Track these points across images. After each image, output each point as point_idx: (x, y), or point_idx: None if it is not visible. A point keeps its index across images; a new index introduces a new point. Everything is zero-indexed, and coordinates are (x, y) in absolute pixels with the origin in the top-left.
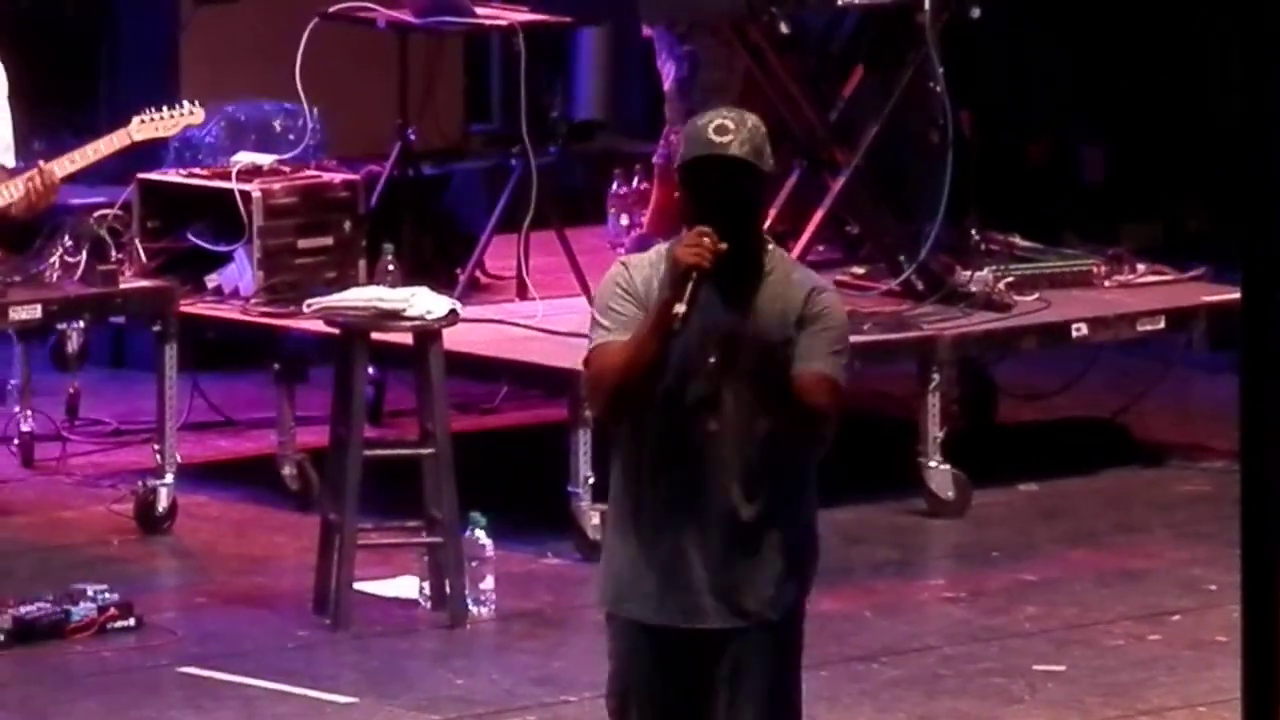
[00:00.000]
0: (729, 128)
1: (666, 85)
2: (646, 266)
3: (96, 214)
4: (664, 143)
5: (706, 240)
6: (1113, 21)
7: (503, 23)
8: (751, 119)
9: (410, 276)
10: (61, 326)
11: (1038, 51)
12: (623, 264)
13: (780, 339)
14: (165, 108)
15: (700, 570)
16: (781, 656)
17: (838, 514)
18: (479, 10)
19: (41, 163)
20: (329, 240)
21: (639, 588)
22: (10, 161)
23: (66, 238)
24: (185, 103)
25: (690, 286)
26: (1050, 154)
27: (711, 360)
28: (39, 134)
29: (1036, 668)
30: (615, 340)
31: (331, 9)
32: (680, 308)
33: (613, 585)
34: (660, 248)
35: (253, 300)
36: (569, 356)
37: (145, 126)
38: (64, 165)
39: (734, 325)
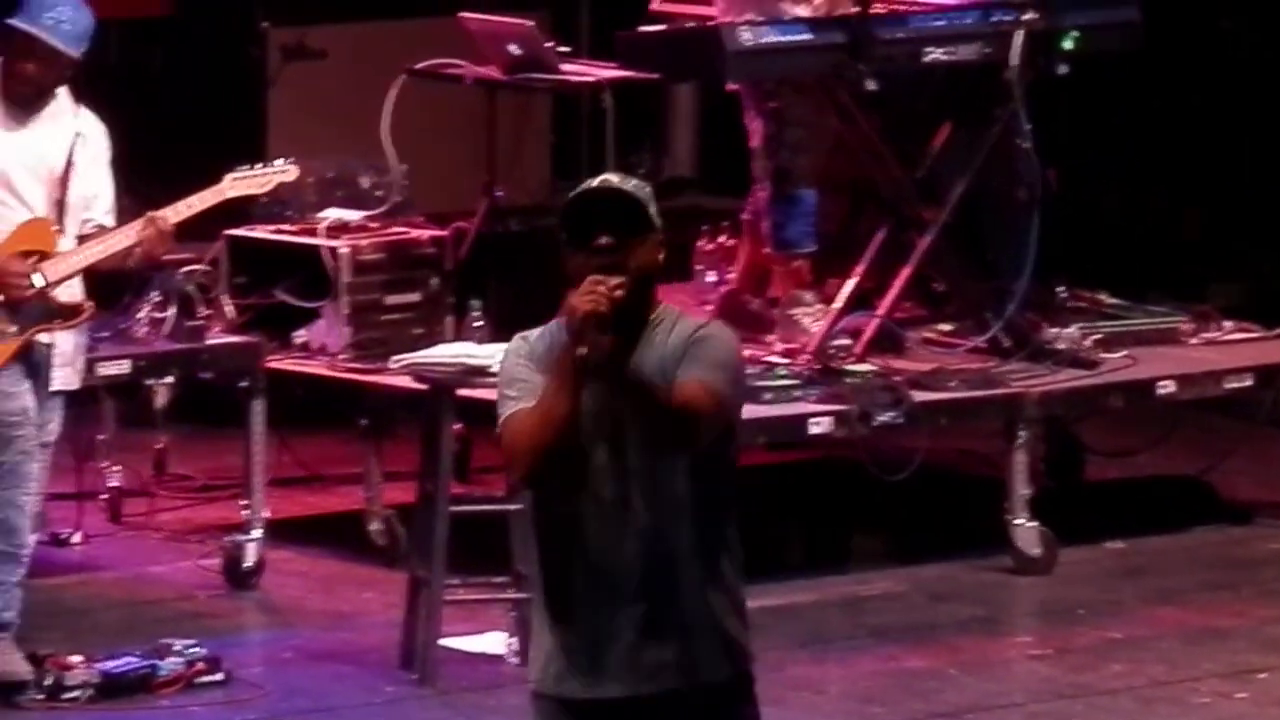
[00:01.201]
0: (613, 181)
1: (753, 142)
2: (547, 335)
3: (185, 270)
4: (752, 199)
5: (601, 287)
6: (1197, 80)
7: (590, 79)
8: (639, 181)
9: (497, 332)
10: (149, 382)
11: (1123, 110)
12: (521, 337)
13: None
14: (259, 164)
15: (626, 641)
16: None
17: (924, 571)
18: (566, 67)
19: (149, 214)
20: (416, 296)
21: (566, 665)
22: (112, 223)
23: (155, 293)
24: (280, 160)
25: (591, 332)
26: (1132, 211)
27: (610, 417)
28: (127, 190)
29: None
30: (524, 407)
31: (419, 65)
32: (582, 350)
33: (540, 665)
34: (557, 320)
35: (340, 356)
36: None
37: (239, 183)
38: (166, 217)
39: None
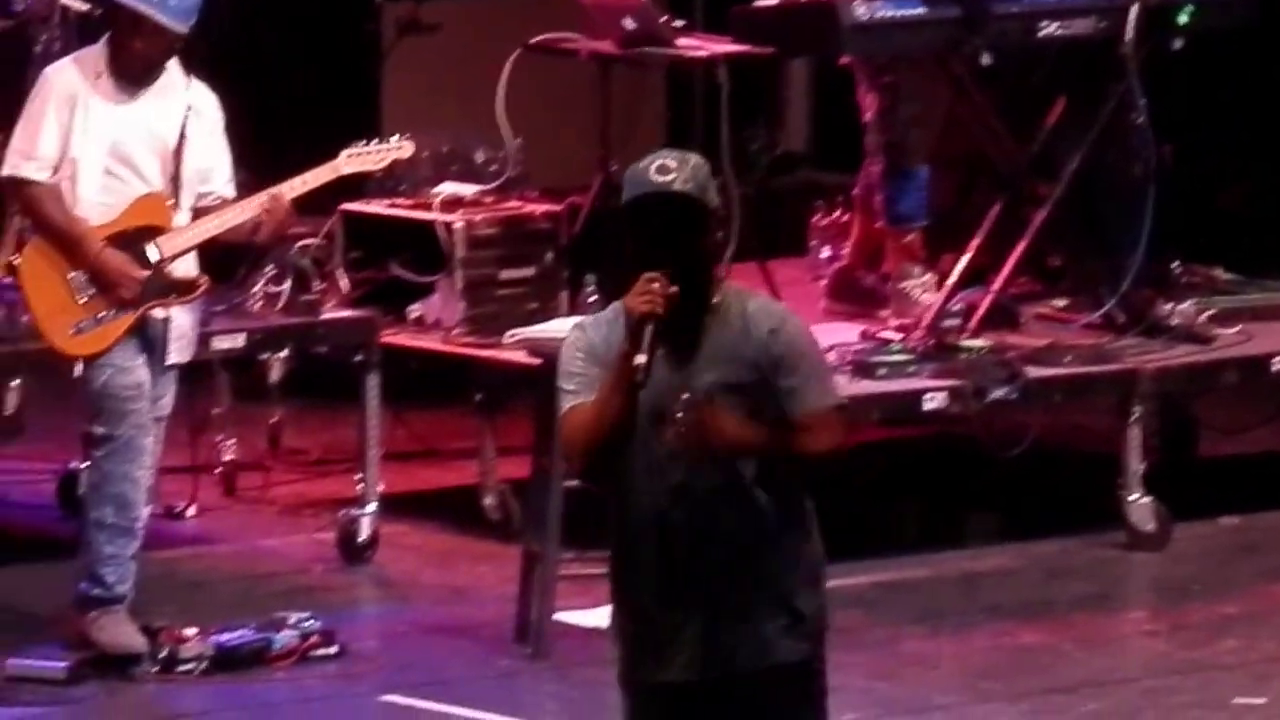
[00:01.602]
0: (670, 167)
1: (867, 116)
2: (604, 325)
3: (299, 244)
4: (864, 174)
5: (656, 285)
6: None
7: (705, 54)
8: (694, 159)
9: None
10: (264, 356)
11: (1237, 85)
12: (579, 326)
13: (747, 380)
14: (375, 141)
15: (698, 626)
16: (801, 707)
17: (1038, 547)
18: (681, 42)
19: (270, 190)
20: (531, 271)
21: (643, 651)
22: (232, 193)
23: (270, 268)
24: (395, 137)
25: (648, 336)
26: (1246, 187)
27: (678, 412)
28: (241, 165)
29: (1237, 701)
30: (582, 402)
31: (534, 40)
32: (640, 359)
33: (620, 651)
34: (616, 305)
35: (454, 331)
36: None
37: (354, 160)
38: (284, 192)
39: (694, 371)
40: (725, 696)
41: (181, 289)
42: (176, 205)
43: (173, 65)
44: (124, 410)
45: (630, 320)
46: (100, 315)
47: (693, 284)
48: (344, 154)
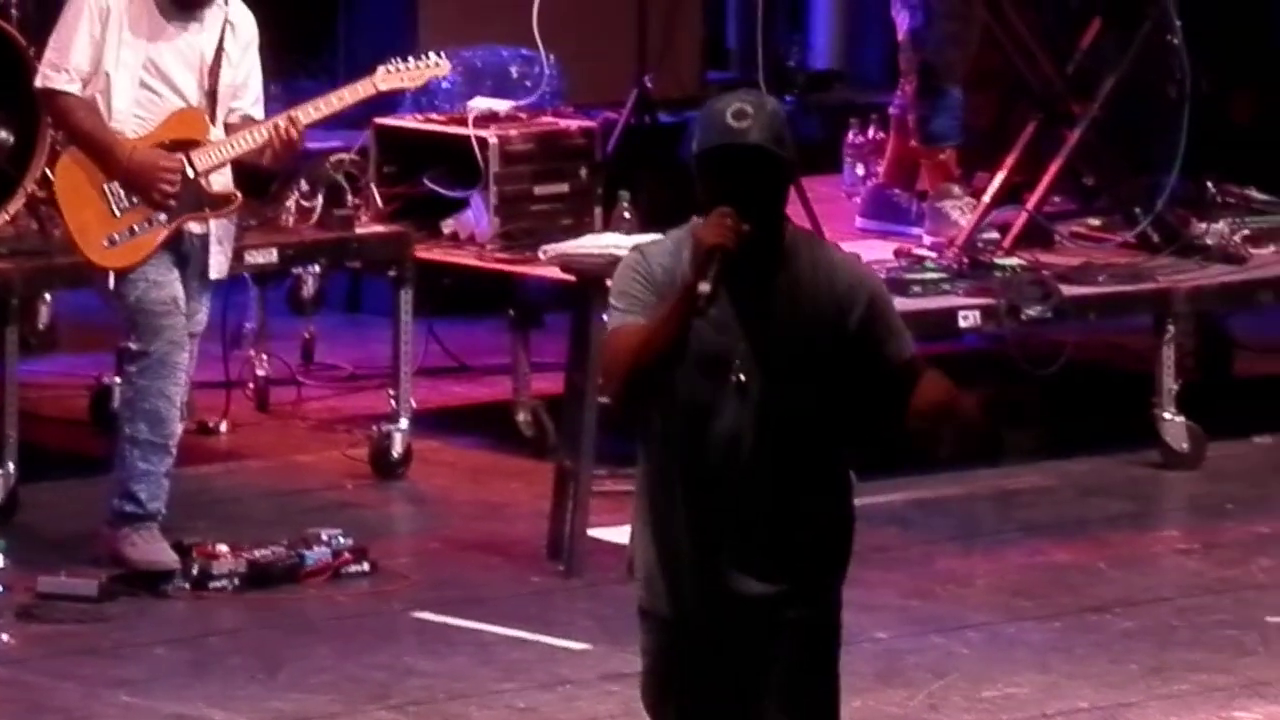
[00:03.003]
0: (747, 112)
1: (900, 35)
2: (666, 255)
3: (333, 159)
4: (900, 93)
5: (729, 221)
6: None
7: None
8: (771, 103)
9: (646, 224)
10: (297, 271)
11: (1275, 7)
12: (639, 250)
13: (818, 332)
14: (410, 58)
15: (731, 563)
16: (818, 652)
17: (1073, 466)
18: None
19: (290, 112)
20: (565, 187)
21: (671, 585)
22: (260, 114)
23: (303, 182)
24: (431, 54)
25: (715, 267)
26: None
27: (739, 353)
28: (276, 80)
29: (1270, 619)
30: (632, 322)
31: None
32: (705, 287)
33: (645, 583)
34: (678, 234)
35: (489, 246)
36: None
37: (391, 77)
38: (308, 113)
39: (760, 316)
40: (744, 640)
41: (217, 203)
42: (213, 120)
43: None
44: (158, 325)
45: (699, 250)
46: (135, 228)
47: (764, 233)
48: (380, 70)
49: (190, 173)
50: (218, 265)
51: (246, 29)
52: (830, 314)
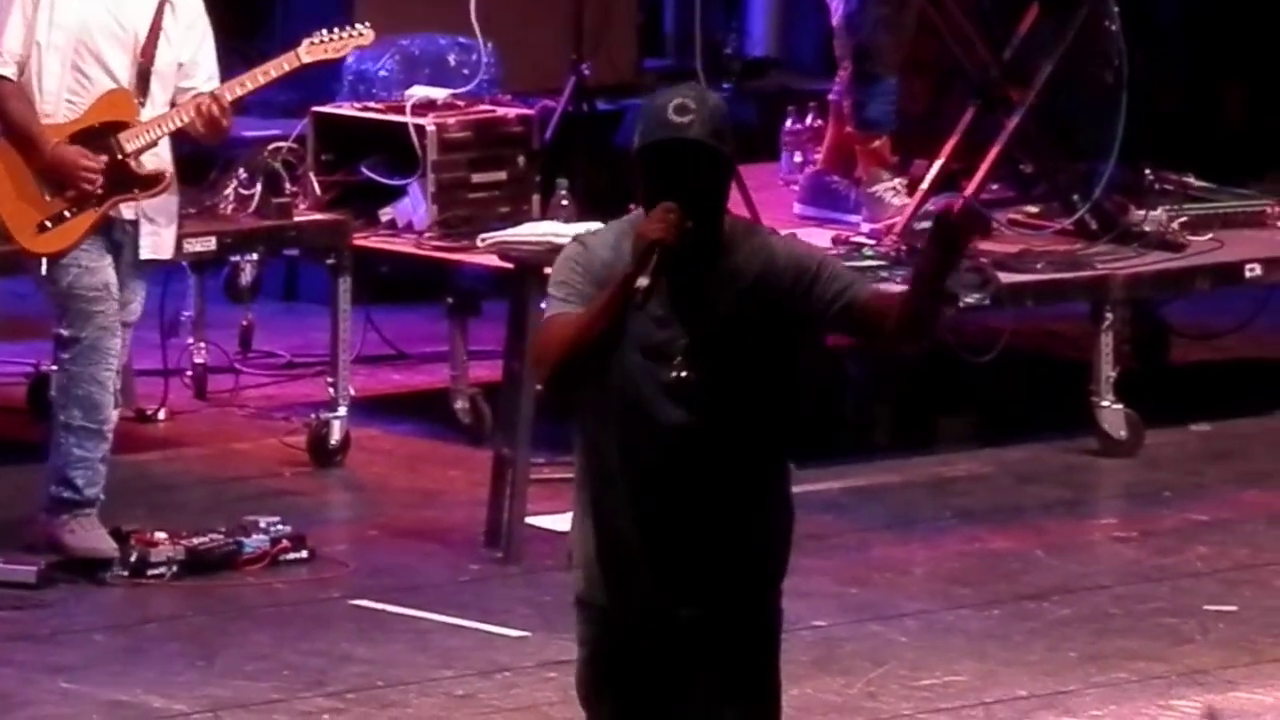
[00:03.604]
0: (690, 107)
1: (835, 20)
2: (606, 247)
3: (271, 147)
4: (838, 80)
5: (672, 216)
6: None
7: None
8: (713, 98)
9: (584, 211)
10: (235, 259)
11: None
12: (580, 240)
13: (764, 318)
14: (335, 29)
15: (670, 557)
16: (757, 644)
17: (1010, 453)
18: None
19: (214, 89)
20: (503, 175)
21: (610, 576)
22: (215, 87)
23: (241, 170)
24: (355, 24)
25: (654, 261)
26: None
27: (679, 348)
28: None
29: (1207, 608)
30: (568, 311)
31: None
32: (643, 281)
33: (584, 572)
34: (619, 225)
35: (426, 234)
36: None
37: (315, 48)
38: (234, 89)
39: (701, 309)
40: (682, 633)
41: (146, 183)
42: (144, 101)
43: None
44: (89, 311)
45: (639, 243)
46: (65, 213)
47: (703, 228)
48: (305, 42)
49: (119, 154)
50: (151, 245)
51: (188, 8)
52: (776, 296)
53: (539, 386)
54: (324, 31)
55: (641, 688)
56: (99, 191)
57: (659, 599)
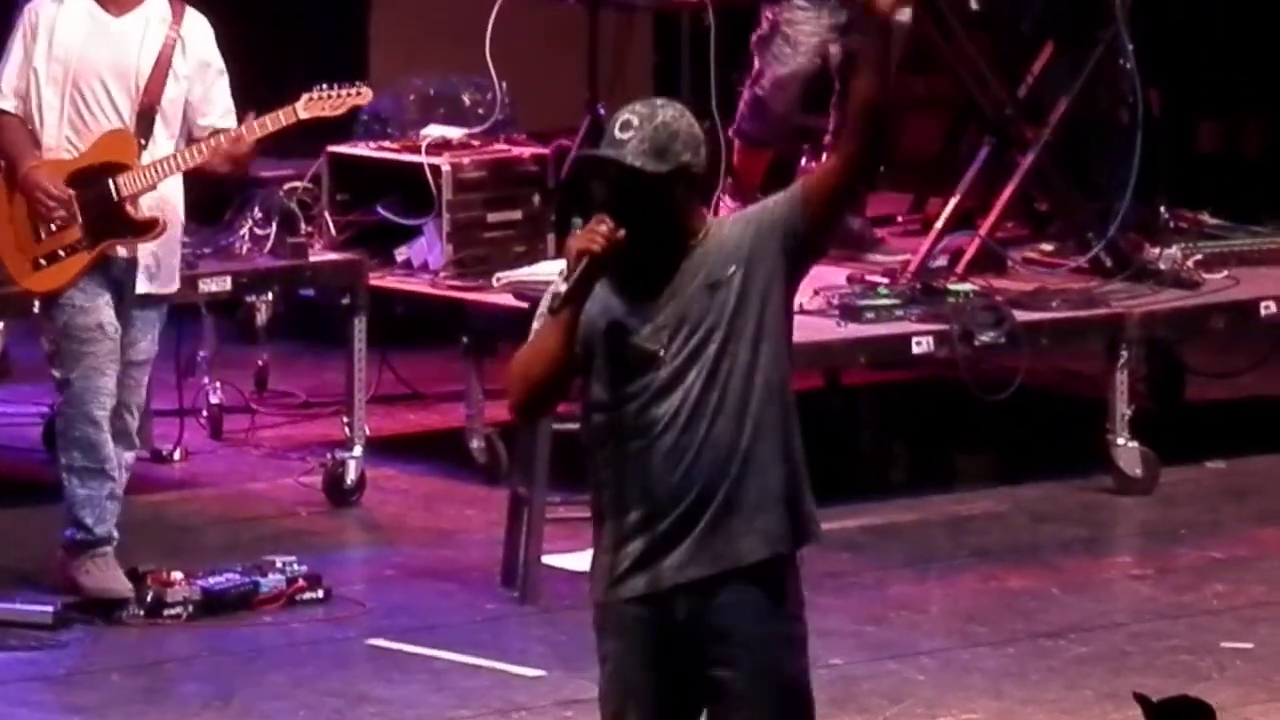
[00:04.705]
0: (632, 124)
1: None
2: None
3: (286, 187)
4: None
5: (603, 228)
6: None
7: None
8: (662, 115)
9: None
10: (251, 299)
11: (1223, 31)
12: (562, 275)
13: (741, 284)
14: (335, 85)
15: (682, 542)
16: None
17: (1026, 491)
18: None
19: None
20: (518, 214)
21: (633, 563)
22: (231, 124)
23: (256, 210)
24: (356, 83)
25: (578, 271)
26: (1233, 132)
27: (660, 351)
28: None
29: (1224, 645)
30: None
31: None
32: (560, 287)
33: (606, 579)
34: None
35: (441, 274)
36: None
37: (313, 104)
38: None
39: (675, 309)
40: (701, 602)
41: (138, 229)
42: (145, 143)
43: None
44: (80, 353)
45: (568, 254)
46: (60, 251)
47: (648, 239)
48: (304, 98)
49: (115, 197)
50: (149, 278)
51: (199, 46)
52: (745, 255)
53: (511, 411)
54: (324, 86)
55: (666, 690)
56: (56, 221)
57: (678, 573)
